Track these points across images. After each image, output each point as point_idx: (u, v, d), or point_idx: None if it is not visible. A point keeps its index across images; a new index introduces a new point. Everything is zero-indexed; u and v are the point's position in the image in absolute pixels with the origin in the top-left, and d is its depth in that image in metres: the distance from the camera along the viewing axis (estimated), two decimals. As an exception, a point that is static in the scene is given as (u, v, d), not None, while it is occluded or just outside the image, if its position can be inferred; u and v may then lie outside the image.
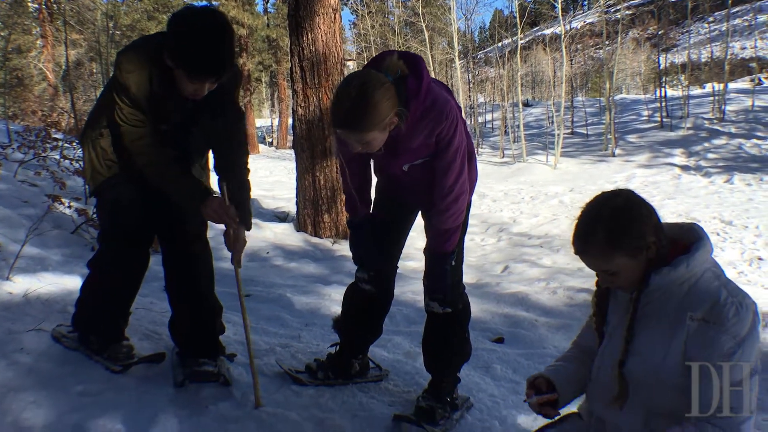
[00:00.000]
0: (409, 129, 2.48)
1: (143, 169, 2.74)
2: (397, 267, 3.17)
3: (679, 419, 2.03)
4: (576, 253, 2.03)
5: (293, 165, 9.05)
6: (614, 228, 1.94)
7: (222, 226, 2.89)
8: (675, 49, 49.10)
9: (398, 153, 2.60)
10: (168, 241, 3.09)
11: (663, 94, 24.74)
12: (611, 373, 2.12)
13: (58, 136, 7.90)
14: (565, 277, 6.83)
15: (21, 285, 3.75)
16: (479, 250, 8.45)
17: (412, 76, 2.44)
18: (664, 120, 23.29)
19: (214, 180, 3.04)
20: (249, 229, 2.98)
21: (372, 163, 2.93)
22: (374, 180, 3.03)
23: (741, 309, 1.90)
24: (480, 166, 2.97)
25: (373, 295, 3.11)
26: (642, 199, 2.01)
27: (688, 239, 2.04)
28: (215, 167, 2.99)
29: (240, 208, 2.88)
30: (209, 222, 2.98)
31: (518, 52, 24.02)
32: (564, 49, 22.48)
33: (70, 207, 6.12)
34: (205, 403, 2.87)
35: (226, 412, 2.82)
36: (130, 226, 2.91)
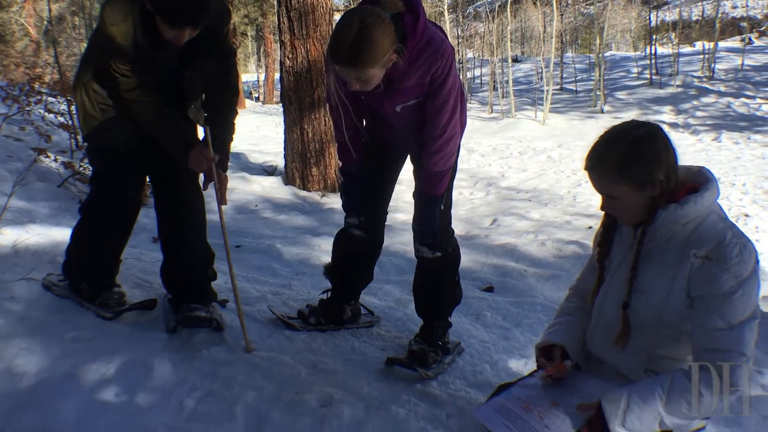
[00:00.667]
0: (404, 68, 2.46)
1: (138, 116, 2.76)
2: (387, 212, 3.18)
3: (678, 362, 2.06)
4: (585, 168, 2.04)
5: (280, 119, 8.99)
6: (627, 156, 1.95)
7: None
8: (666, 7, 48.72)
9: (392, 93, 2.58)
10: (160, 185, 3.08)
11: (653, 52, 24.61)
12: (614, 313, 2.14)
13: (43, 90, 7.75)
14: (553, 230, 6.88)
15: (9, 236, 3.73)
16: (468, 203, 8.45)
17: (409, 13, 2.41)
18: (654, 77, 23.20)
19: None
20: (224, 171, 2.98)
21: (363, 108, 2.90)
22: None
23: (744, 251, 1.91)
24: (468, 122, 2.95)
25: (364, 240, 3.12)
26: (665, 137, 2.01)
27: (697, 181, 2.05)
28: (202, 105, 2.98)
29: (220, 149, 2.89)
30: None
31: (508, 6, 23.77)
32: (554, 4, 22.29)
33: (56, 161, 6.07)
34: (198, 347, 2.89)
35: (219, 356, 2.83)
36: (122, 169, 2.90)
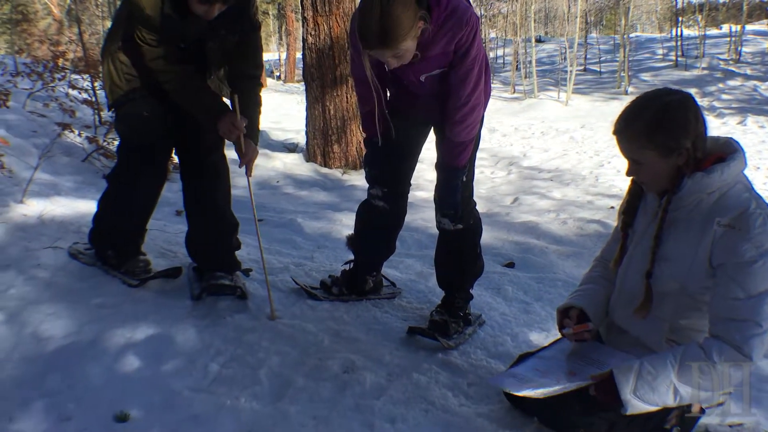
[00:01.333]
0: (429, 37, 2.46)
1: (164, 86, 2.78)
2: (410, 184, 3.17)
3: (700, 334, 2.06)
4: (614, 132, 2.05)
5: (301, 98, 8.98)
6: (656, 121, 1.94)
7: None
8: (692, -13, 47.86)
9: (417, 62, 2.57)
10: (186, 152, 3.10)
11: (679, 34, 24.23)
12: (636, 282, 2.14)
13: (66, 67, 7.80)
14: (575, 209, 6.83)
15: (35, 207, 3.79)
16: (489, 182, 8.41)
17: None
18: (679, 59, 22.86)
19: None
20: (256, 143, 3.00)
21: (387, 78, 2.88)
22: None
23: None
24: (490, 102, 2.96)
25: (386, 211, 3.12)
26: (696, 107, 2.00)
27: (724, 151, 2.04)
28: (228, 79, 3.01)
29: (249, 121, 2.90)
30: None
31: (532, -15, 23.54)
32: (579, -16, 22.00)
33: (80, 136, 6.12)
34: (223, 314, 2.94)
35: (243, 323, 2.88)
36: (149, 137, 2.92)
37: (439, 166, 2.89)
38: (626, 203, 2.27)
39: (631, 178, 2.20)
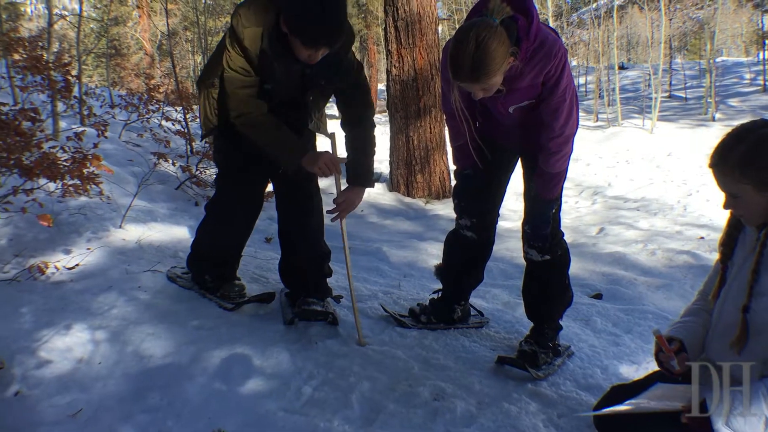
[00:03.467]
0: (518, 69, 2.47)
1: (236, 119, 2.76)
2: (498, 215, 3.18)
3: None
4: (709, 165, 2.00)
5: (385, 128, 9.07)
6: (751, 154, 1.89)
7: None
8: (781, 10, 46.21)
9: (506, 94, 2.59)
10: (283, 182, 3.14)
11: (766, 57, 23.39)
12: (733, 316, 2.08)
13: (160, 99, 8.16)
14: (663, 239, 6.67)
15: (133, 233, 3.97)
16: (573, 212, 8.30)
17: (522, 16, 2.42)
18: (767, 84, 22.09)
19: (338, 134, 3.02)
20: (371, 185, 3.00)
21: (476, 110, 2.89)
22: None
23: None
24: (573, 129, 2.97)
25: (475, 241, 3.14)
26: None
27: None
28: (341, 123, 3.01)
29: (358, 164, 2.91)
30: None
31: (614, 12, 23.16)
32: (662, 9, 21.54)
33: (173, 165, 6.39)
34: (314, 339, 2.98)
35: (334, 348, 2.92)
36: (244, 167, 2.99)
37: (531, 199, 2.88)
38: (725, 236, 2.21)
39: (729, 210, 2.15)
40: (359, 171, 2.94)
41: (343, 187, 2.97)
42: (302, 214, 3.15)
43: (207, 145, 6.85)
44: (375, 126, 3.05)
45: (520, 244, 3.06)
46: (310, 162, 2.76)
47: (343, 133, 3.00)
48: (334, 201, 2.94)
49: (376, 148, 3.04)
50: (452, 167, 3.17)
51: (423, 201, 8.17)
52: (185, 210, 5.51)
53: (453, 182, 3.19)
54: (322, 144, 3.00)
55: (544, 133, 2.65)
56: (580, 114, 18.26)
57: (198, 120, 7.25)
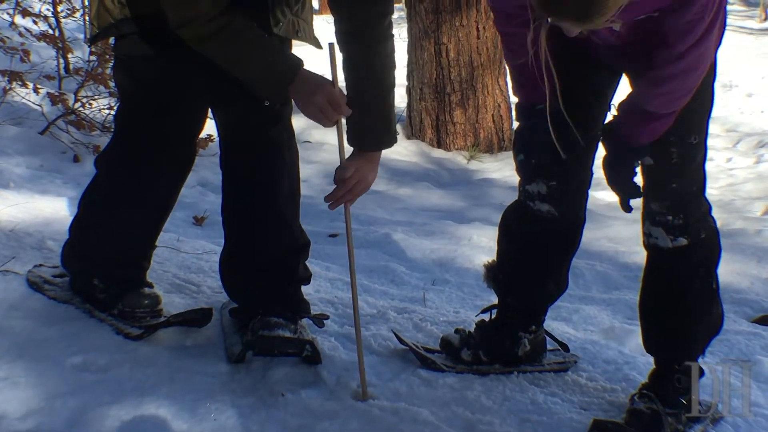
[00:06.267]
0: None
1: (181, 29, 2.02)
2: (592, 174, 2.39)
3: None
4: None
5: (399, 31, 7.62)
6: None
7: None
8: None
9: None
10: (230, 125, 2.37)
11: None
12: None
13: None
14: None
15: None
16: (724, 176, 6.81)
17: None
18: None
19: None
20: (389, 145, 2.28)
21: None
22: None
23: None
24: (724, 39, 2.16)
25: (554, 221, 2.35)
26: None
27: None
28: (335, 33, 2.19)
29: (368, 111, 2.13)
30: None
31: None
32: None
33: (36, 92, 5.20)
34: (279, 388, 2.22)
35: (314, 405, 2.16)
36: (164, 95, 2.24)
37: (607, 132, 2.24)
38: None
39: None
40: (371, 124, 2.18)
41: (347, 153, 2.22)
42: (261, 174, 2.36)
43: (97, 57, 5.50)
44: (392, 36, 2.21)
45: (634, 227, 2.41)
46: (302, 93, 2.03)
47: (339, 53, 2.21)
48: (337, 176, 2.21)
49: (395, 78, 2.22)
50: (513, 99, 2.49)
51: (464, 155, 6.65)
52: (57, 169, 4.58)
53: (515, 124, 2.45)
54: (312, 63, 2.13)
55: (658, 52, 2.04)
56: (736, 9, 15.96)
57: (80, 13, 6.28)
